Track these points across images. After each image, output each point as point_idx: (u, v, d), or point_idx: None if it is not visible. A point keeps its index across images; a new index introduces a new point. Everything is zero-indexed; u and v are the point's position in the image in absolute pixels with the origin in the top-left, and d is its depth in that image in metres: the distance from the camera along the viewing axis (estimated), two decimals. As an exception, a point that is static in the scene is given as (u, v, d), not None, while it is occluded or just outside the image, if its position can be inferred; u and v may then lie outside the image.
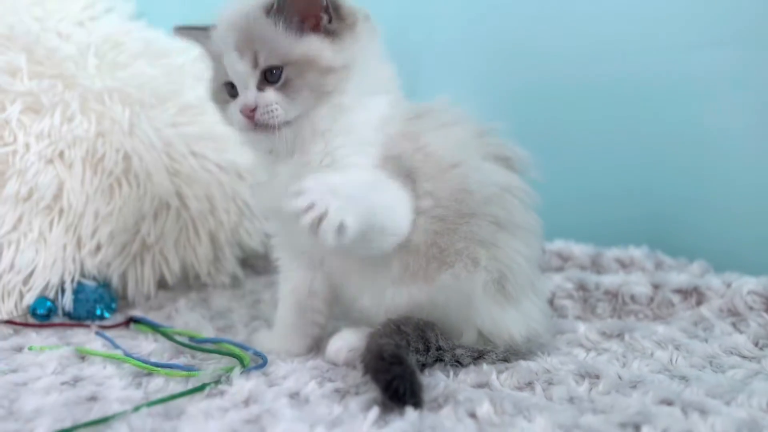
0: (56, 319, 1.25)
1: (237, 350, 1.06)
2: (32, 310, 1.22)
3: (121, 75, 1.40)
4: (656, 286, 1.29)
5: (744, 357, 1.07)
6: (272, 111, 1.01)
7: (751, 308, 1.20)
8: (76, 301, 1.25)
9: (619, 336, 1.16)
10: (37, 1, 1.49)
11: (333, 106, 1.03)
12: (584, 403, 0.90)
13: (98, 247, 1.29)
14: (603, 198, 1.64)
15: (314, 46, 1.01)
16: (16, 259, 1.21)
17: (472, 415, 0.86)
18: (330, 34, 1.02)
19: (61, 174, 1.26)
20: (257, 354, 1.07)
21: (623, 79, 1.65)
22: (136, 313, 1.30)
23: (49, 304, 1.23)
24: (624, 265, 1.47)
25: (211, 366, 1.02)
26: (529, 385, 0.96)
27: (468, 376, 0.99)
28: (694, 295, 1.26)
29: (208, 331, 1.21)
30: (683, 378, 0.97)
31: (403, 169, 1.02)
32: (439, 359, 1.02)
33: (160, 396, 0.89)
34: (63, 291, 1.25)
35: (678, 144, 1.59)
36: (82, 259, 1.28)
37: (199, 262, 1.43)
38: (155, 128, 1.38)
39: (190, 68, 1.51)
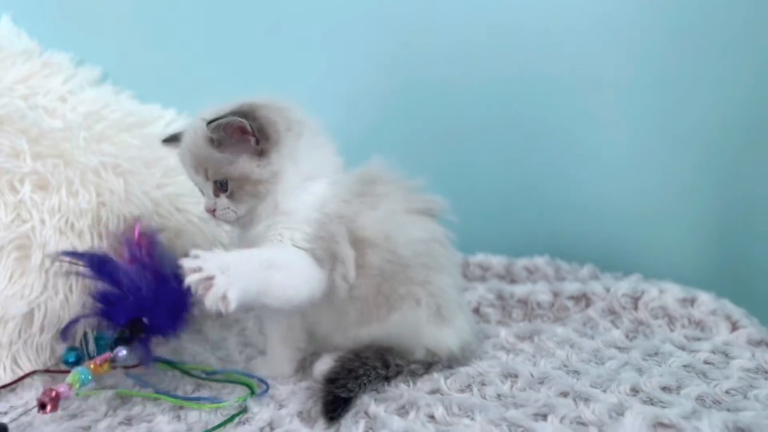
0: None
1: (245, 379, 1.37)
2: (64, 360, 1.48)
3: (109, 149, 1.63)
4: (555, 294, 1.68)
5: (618, 348, 1.46)
6: (226, 213, 1.33)
7: (624, 307, 1.61)
8: (98, 346, 1.52)
9: (530, 338, 1.54)
10: (19, 78, 1.69)
11: (270, 201, 1.31)
12: (508, 399, 1.25)
13: (112, 301, 1.56)
14: (511, 213, 2.00)
15: (245, 166, 1.29)
16: (45, 320, 1.46)
17: (431, 417, 1.21)
18: (259, 152, 1.29)
19: (73, 242, 1.51)
20: (260, 380, 1.38)
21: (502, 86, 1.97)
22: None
23: (76, 351, 1.49)
24: (531, 272, 1.85)
25: (231, 396, 1.33)
26: (468, 387, 1.31)
27: (424, 384, 1.32)
28: (583, 299, 1.66)
29: (213, 363, 1.51)
30: (576, 372, 1.34)
31: (331, 251, 1.29)
32: (398, 372, 1.36)
33: (200, 428, 1.20)
34: (86, 340, 1.52)
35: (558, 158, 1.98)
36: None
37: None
38: (144, 192, 1.63)
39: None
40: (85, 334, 1.52)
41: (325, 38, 2.02)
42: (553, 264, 1.87)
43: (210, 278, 1.04)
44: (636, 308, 1.61)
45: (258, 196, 1.32)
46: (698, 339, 1.48)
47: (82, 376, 1.25)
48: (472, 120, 1.98)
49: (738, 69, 1.81)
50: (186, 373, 1.43)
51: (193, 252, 1.08)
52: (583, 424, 1.14)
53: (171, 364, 1.47)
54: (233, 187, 1.31)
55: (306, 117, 1.38)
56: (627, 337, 1.53)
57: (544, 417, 1.16)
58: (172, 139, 1.43)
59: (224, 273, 1.06)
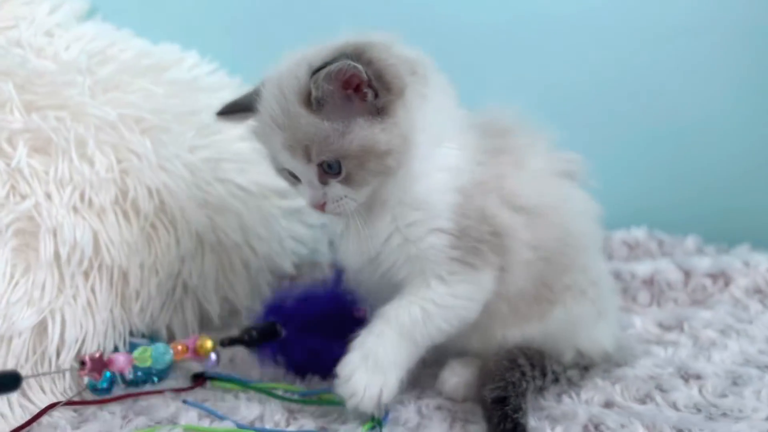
0: (117, 390, 1.11)
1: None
2: (92, 386, 1.07)
3: (128, 98, 1.22)
4: (687, 272, 1.42)
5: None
6: (343, 204, 0.94)
7: (771, 285, 1.37)
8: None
9: (678, 327, 1.27)
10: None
11: (400, 177, 0.95)
12: (712, 409, 0.99)
13: (146, 302, 1.15)
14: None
15: (365, 133, 0.90)
16: (64, 333, 1.05)
17: (636, 441, 0.92)
18: (379, 111, 0.91)
19: (94, 225, 1.10)
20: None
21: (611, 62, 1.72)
22: (192, 365, 1.19)
23: (108, 374, 1.08)
24: (631, 246, 1.58)
25: (345, 426, 0.98)
26: (648, 395, 1.03)
27: (588, 394, 1.04)
28: (722, 277, 1.40)
29: (288, 379, 1.15)
30: (768, 367, 1.10)
31: (488, 228, 0.97)
32: (555, 381, 1.06)
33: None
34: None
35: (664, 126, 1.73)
36: (129, 318, 1.14)
37: (238, 296, 1.32)
38: (176, 155, 1.23)
39: (200, 83, 1.35)
40: (115, 349, 1.12)
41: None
42: (654, 237, 1.60)
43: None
44: (783, 285, 1.37)
45: (387, 173, 0.93)
46: None
47: (155, 352, 1.07)
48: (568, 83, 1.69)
49: None
50: (267, 393, 1.06)
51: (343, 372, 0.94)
52: None
53: (234, 382, 1.10)
54: (350, 166, 0.91)
55: (421, 54, 1.00)
56: (788, 320, 1.28)
57: (782, 431, 0.90)
58: (234, 110, 1.01)
59: (371, 373, 0.94)
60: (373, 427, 0.96)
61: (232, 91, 1.47)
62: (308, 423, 1.00)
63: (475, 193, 0.97)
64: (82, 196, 1.11)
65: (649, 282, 1.41)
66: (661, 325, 1.29)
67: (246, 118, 1.00)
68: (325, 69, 0.86)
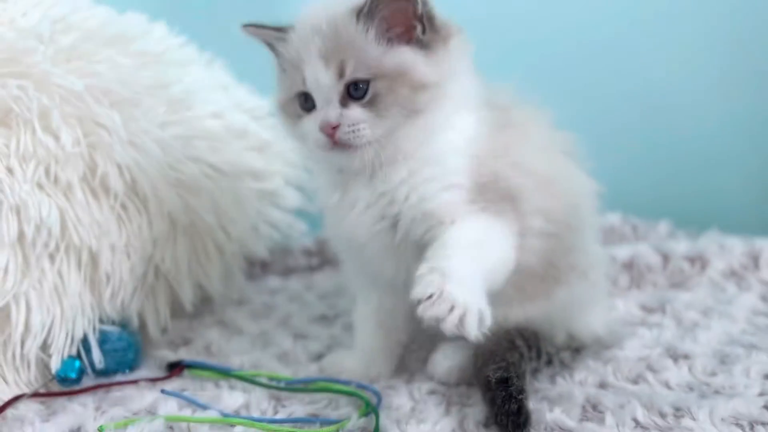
0: (87, 380, 1.03)
1: (348, 388, 0.98)
2: (61, 376, 0.99)
3: (94, 68, 1.13)
4: (665, 256, 1.42)
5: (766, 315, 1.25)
6: (358, 130, 0.89)
7: (745, 268, 1.39)
8: (104, 353, 1.04)
9: (660, 309, 1.27)
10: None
11: (421, 125, 0.92)
12: (705, 387, 0.98)
13: (117, 287, 1.08)
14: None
15: (408, 57, 0.90)
16: (29, 319, 0.97)
17: (636, 422, 0.89)
18: (423, 46, 0.91)
19: (60, 203, 1.01)
20: (361, 387, 0.99)
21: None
22: (165, 352, 1.13)
23: (78, 364, 1.01)
24: (607, 231, 1.57)
25: (336, 413, 0.93)
26: (640, 376, 1.02)
27: (582, 375, 1.03)
28: (698, 260, 1.41)
29: (272, 365, 1.09)
30: (753, 346, 1.09)
31: (501, 190, 0.95)
32: (548, 363, 1.04)
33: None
34: (86, 345, 1.03)
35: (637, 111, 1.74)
36: (100, 304, 1.06)
37: (211, 282, 1.25)
38: (145, 131, 1.15)
39: (173, 56, 1.27)
40: (84, 337, 1.04)
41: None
42: (628, 222, 1.61)
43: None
44: (757, 267, 1.39)
45: (413, 108, 0.90)
46: None
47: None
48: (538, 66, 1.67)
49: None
50: (251, 382, 1.01)
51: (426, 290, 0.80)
52: (842, 415, 0.88)
53: (214, 370, 1.04)
54: (380, 88, 0.89)
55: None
56: (764, 301, 1.30)
57: (778, 408, 0.90)
58: (266, 24, 0.97)
59: (467, 293, 0.81)
60: (367, 413, 0.92)
61: (202, 66, 1.41)
62: (298, 410, 0.95)
63: (488, 158, 0.95)
64: (47, 172, 1.02)
65: (629, 265, 1.41)
66: (643, 307, 1.28)
67: (273, 38, 0.97)
68: None
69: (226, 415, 0.92)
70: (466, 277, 0.82)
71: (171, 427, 0.90)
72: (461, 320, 0.79)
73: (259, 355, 1.13)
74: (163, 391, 0.98)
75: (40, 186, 1.01)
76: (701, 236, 1.54)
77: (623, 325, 1.21)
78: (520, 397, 0.87)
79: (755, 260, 1.40)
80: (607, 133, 1.71)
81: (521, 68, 1.60)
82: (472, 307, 0.79)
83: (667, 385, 1.00)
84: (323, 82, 0.89)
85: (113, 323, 1.09)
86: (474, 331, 0.80)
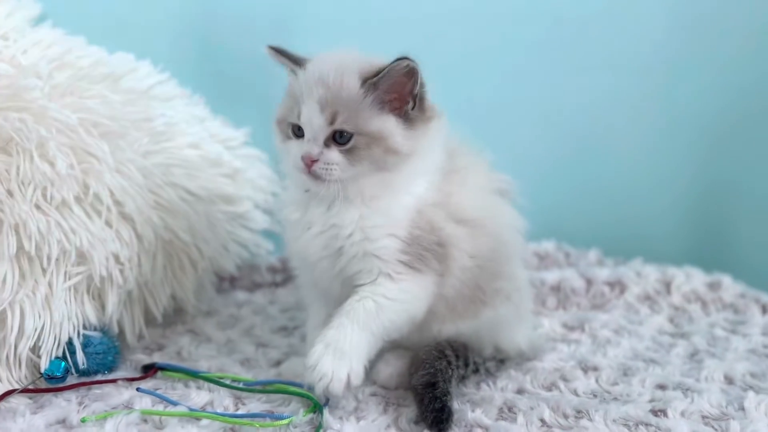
0: (72, 379, 1.17)
1: (300, 390, 1.13)
2: (48, 375, 1.13)
3: (85, 103, 1.28)
4: (588, 280, 1.60)
5: (670, 335, 1.44)
6: (330, 169, 1.06)
7: (658, 292, 1.58)
8: (87, 355, 1.18)
9: (580, 327, 1.45)
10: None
11: (384, 180, 1.10)
12: (606, 395, 1.16)
13: (96, 294, 1.22)
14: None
15: (391, 126, 1.07)
16: (23, 323, 1.11)
17: (543, 422, 1.06)
18: (407, 120, 1.08)
19: (57, 220, 1.16)
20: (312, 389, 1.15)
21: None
22: (141, 356, 1.27)
23: (64, 365, 1.15)
24: (541, 257, 1.76)
25: (288, 411, 1.08)
26: (553, 384, 1.19)
27: (503, 383, 1.19)
28: (617, 285, 1.60)
29: (234, 368, 1.24)
30: (652, 361, 1.28)
31: (434, 239, 1.12)
32: (475, 371, 1.21)
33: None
34: (71, 347, 1.17)
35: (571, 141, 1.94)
36: (83, 310, 1.20)
37: (186, 294, 1.40)
38: (130, 159, 1.30)
39: (156, 91, 1.43)
40: (69, 341, 1.18)
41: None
42: (562, 249, 1.79)
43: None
44: (669, 293, 1.58)
45: (380, 166, 1.08)
46: (742, 322, 1.48)
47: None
48: (482, 97, 1.87)
49: (734, 60, 1.86)
50: (216, 383, 1.15)
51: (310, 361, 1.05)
52: (711, 417, 1.07)
53: (184, 372, 1.19)
54: (359, 143, 1.06)
55: None
56: (671, 322, 1.49)
57: (664, 413, 1.08)
58: (288, 55, 1.12)
59: (339, 359, 1.04)
60: (314, 411, 1.07)
61: (183, 100, 1.56)
62: (255, 407, 1.10)
63: (429, 210, 1.13)
64: (44, 194, 1.16)
65: (557, 288, 1.59)
66: (565, 326, 1.46)
67: (287, 64, 1.12)
68: (405, 62, 1.03)
69: (193, 410, 1.07)
70: (346, 349, 1.04)
71: (145, 420, 1.04)
72: (327, 388, 1.03)
73: (225, 360, 1.27)
74: (138, 389, 1.12)
75: (37, 206, 1.15)
76: (625, 264, 1.73)
77: (546, 341, 1.38)
78: (444, 398, 1.04)
79: (667, 286, 1.59)
80: (545, 168, 1.92)
81: (463, 105, 1.83)
82: (340, 376, 1.03)
83: (575, 392, 1.17)
84: (315, 123, 1.06)
85: (95, 329, 1.23)
86: (338, 394, 1.03)
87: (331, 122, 1.05)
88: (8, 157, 1.17)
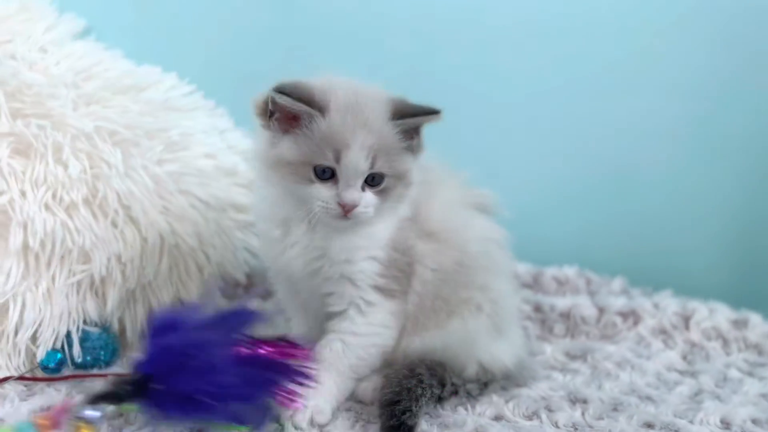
0: (66, 370, 1.24)
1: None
2: (43, 364, 1.21)
3: (104, 113, 1.36)
4: (601, 309, 1.54)
5: (680, 372, 1.36)
6: (367, 212, 1.08)
7: (675, 327, 1.49)
8: (82, 349, 1.25)
9: (582, 357, 1.39)
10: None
11: (390, 209, 1.12)
12: (586, 429, 1.11)
13: (99, 291, 1.29)
14: (540, 219, 1.86)
15: (410, 164, 1.11)
16: (24, 315, 1.19)
17: (509, 451, 1.04)
18: (413, 152, 1.11)
19: (64, 221, 1.24)
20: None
21: (552, 98, 1.86)
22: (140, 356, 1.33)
23: (59, 356, 1.22)
24: (561, 283, 1.70)
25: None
26: (535, 413, 1.15)
27: (483, 407, 1.16)
28: (631, 316, 1.53)
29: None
30: (648, 398, 1.22)
31: (407, 260, 1.15)
32: (454, 393, 1.19)
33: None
34: (69, 340, 1.24)
35: (602, 167, 1.87)
36: (84, 305, 1.27)
37: (191, 297, 1.46)
38: (144, 167, 1.37)
39: (174, 103, 1.51)
40: (68, 334, 1.25)
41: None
42: (584, 275, 1.73)
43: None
44: (687, 328, 1.49)
45: (400, 201, 1.12)
46: (762, 365, 1.39)
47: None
48: (509, 117, 1.85)
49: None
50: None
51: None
52: (690, 463, 1.00)
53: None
54: (390, 183, 1.08)
55: None
56: (684, 359, 1.42)
57: (637, 452, 1.02)
58: (302, 97, 1.04)
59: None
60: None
61: (205, 111, 1.63)
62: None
63: (405, 227, 1.15)
64: (54, 195, 1.25)
65: (566, 315, 1.54)
66: (567, 354, 1.41)
67: (300, 109, 1.05)
68: (428, 112, 1.09)
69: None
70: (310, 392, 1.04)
71: (121, 414, 1.10)
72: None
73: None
74: (123, 385, 1.18)
75: (47, 206, 1.24)
76: (650, 296, 1.65)
77: (543, 368, 1.35)
78: (402, 416, 1.03)
79: (686, 321, 1.51)
80: (574, 191, 1.86)
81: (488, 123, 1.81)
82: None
83: (555, 424, 1.13)
84: (359, 169, 1.05)
85: (96, 325, 1.29)
86: (303, 424, 1.05)
87: (372, 166, 1.06)
88: (26, 160, 1.26)
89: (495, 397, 1.20)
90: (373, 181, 1.07)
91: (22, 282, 1.20)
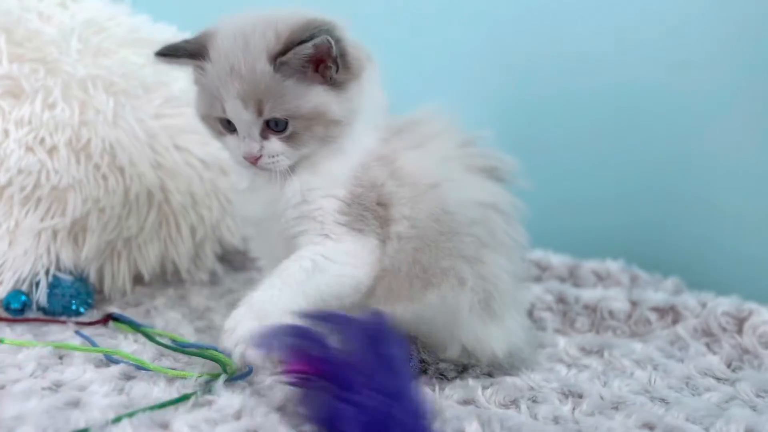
0: (30, 314, 1.21)
1: (222, 357, 1.04)
2: (5, 304, 1.18)
3: (105, 62, 1.35)
4: (634, 303, 1.31)
5: (718, 379, 1.10)
6: (277, 161, 1.00)
7: (724, 329, 1.23)
8: (51, 295, 1.22)
9: (599, 353, 1.18)
10: (15, -23, 1.43)
11: (332, 149, 1.03)
12: (569, 424, 0.91)
13: (77, 239, 1.26)
14: (582, 207, 1.66)
15: (322, 99, 0.98)
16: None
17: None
18: (336, 85, 0.99)
19: (43, 160, 1.22)
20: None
21: (610, 92, 1.67)
22: (114, 309, 1.27)
23: (23, 298, 1.19)
24: (601, 277, 1.49)
25: (195, 372, 1.00)
26: (514, 402, 0.97)
27: (454, 391, 1.00)
28: (670, 313, 1.29)
29: (188, 332, 1.20)
30: (662, 400, 0.99)
31: (374, 197, 1.03)
32: (423, 371, 1.02)
33: (144, 404, 0.88)
34: (38, 285, 1.22)
35: (661, 160, 1.63)
36: (57, 251, 1.24)
37: (180, 258, 1.40)
38: (139, 119, 1.34)
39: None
40: (36, 276, 1.22)
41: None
42: (629, 272, 1.50)
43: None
44: (740, 332, 1.23)
45: (327, 141, 1.01)
46: (828, 379, 1.10)
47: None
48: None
49: None
50: (149, 338, 1.11)
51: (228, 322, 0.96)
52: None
53: (132, 325, 1.16)
54: (297, 127, 0.98)
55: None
56: (729, 366, 1.16)
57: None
58: (177, 53, 1.04)
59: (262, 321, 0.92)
60: (216, 377, 0.97)
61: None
62: (170, 363, 1.04)
63: (372, 165, 1.04)
64: (36, 136, 1.23)
65: (592, 309, 1.32)
66: (582, 349, 1.20)
67: (186, 63, 1.04)
68: (310, 41, 0.93)
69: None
70: (271, 311, 0.94)
71: (59, 357, 1.04)
72: (243, 354, 0.92)
73: (184, 324, 1.23)
74: (76, 332, 1.12)
75: (27, 146, 1.22)
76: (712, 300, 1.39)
77: (547, 361, 1.15)
78: None
79: (740, 324, 1.24)
80: (631, 177, 1.64)
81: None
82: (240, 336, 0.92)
83: (534, 416, 0.94)
84: (243, 118, 0.98)
85: (71, 273, 1.26)
86: (256, 362, 0.92)
87: (260, 114, 0.97)
88: (15, 101, 1.26)
89: (471, 381, 1.02)
90: (276, 126, 0.98)
91: (-8, 220, 1.18)
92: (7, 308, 1.18)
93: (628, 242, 1.61)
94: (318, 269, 1.00)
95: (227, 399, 0.90)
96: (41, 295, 1.21)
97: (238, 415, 0.86)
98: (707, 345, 1.22)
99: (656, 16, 1.65)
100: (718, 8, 1.57)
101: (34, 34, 1.32)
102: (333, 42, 0.94)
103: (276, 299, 0.97)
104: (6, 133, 1.22)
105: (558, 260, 1.53)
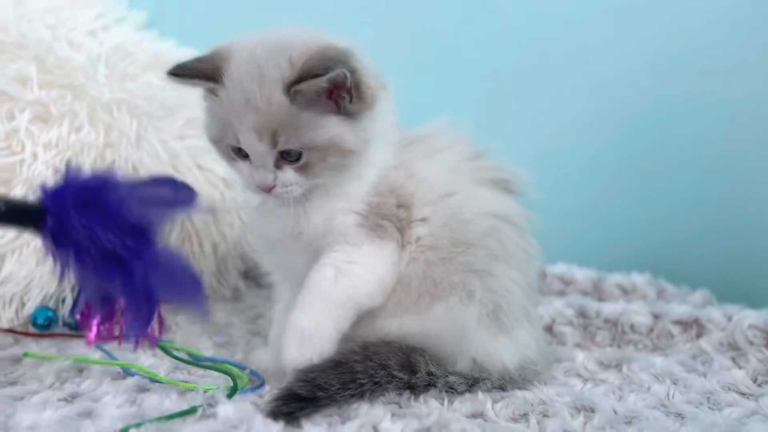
0: (56, 329, 1.25)
1: (234, 369, 1.06)
2: (33, 320, 1.23)
3: (130, 86, 1.41)
4: (656, 316, 1.28)
5: (742, 394, 1.06)
6: (291, 190, 1.00)
7: (751, 343, 1.19)
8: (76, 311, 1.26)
9: (617, 367, 1.16)
10: (50, 8, 1.50)
11: (347, 177, 1.02)
12: (575, 439, 0.90)
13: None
14: (607, 221, 1.63)
15: (336, 131, 0.97)
16: (16, 269, 1.22)
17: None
18: (350, 115, 0.98)
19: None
20: (255, 374, 1.07)
21: (633, 102, 1.65)
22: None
23: (49, 313, 1.24)
24: (626, 291, 1.46)
25: (209, 384, 1.02)
26: (524, 416, 0.96)
27: (463, 404, 0.98)
28: (694, 326, 1.25)
29: (206, 347, 1.22)
30: (679, 415, 0.96)
31: (394, 202, 1.03)
32: (430, 384, 1.02)
33: (154, 415, 0.90)
34: (64, 301, 1.26)
35: (688, 169, 1.59)
36: (84, 269, 1.28)
37: (203, 275, 1.43)
38: (162, 140, 1.38)
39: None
40: (63, 296, 1.26)
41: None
42: (656, 284, 1.46)
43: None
44: (768, 346, 1.19)
45: (342, 170, 1.00)
46: None
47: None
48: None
49: None
50: (166, 352, 1.13)
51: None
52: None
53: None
54: (311, 157, 0.97)
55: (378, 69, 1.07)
56: (755, 381, 1.12)
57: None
58: (190, 74, 1.01)
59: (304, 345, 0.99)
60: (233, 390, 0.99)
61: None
62: (184, 377, 1.06)
63: (389, 173, 1.05)
64: (63, 159, 1.28)
65: (613, 323, 1.29)
66: (600, 363, 1.17)
67: (197, 85, 1.02)
68: (325, 76, 0.92)
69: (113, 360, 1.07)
70: (309, 333, 0.99)
71: (79, 370, 1.07)
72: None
73: (204, 339, 1.25)
74: (97, 346, 1.15)
75: (55, 168, 1.27)
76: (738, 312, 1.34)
77: (563, 375, 1.13)
78: (296, 384, 0.90)
79: (767, 337, 1.20)
80: (654, 182, 1.61)
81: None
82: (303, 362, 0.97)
83: (543, 431, 0.92)
84: (258, 150, 0.97)
85: (95, 291, 1.30)
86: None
87: (274, 145, 0.96)
88: (44, 125, 1.31)
89: (481, 395, 1.01)
90: (289, 156, 0.97)
91: (16, 239, 1.23)
92: (34, 324, 1.23)
93: (655, 255, 1.57)
94: (340, 273, 1.01)
95: (229, 411, 0.91)
96: (67, 312, 1.25)
97: (238, 427, 0.87)
98: (733, 359, 1.18)
99: (680, 24, 1.62)
100: (743, 15, 1.54)
101: (63, 62, 1.39)
102: (348, 74, 0.93)
103: (312, 318, 1.00)
104: (35, 156, 1.27)
105: (582, 274, 1.51)
